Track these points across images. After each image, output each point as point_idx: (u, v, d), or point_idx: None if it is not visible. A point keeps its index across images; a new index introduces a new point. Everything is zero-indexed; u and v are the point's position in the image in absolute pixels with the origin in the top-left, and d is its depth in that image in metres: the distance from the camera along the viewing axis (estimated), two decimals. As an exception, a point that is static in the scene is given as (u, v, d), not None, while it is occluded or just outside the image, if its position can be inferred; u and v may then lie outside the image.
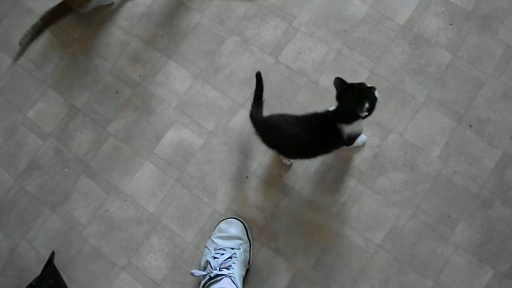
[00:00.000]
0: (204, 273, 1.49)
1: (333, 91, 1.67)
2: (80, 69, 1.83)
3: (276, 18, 1.78)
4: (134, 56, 1.82)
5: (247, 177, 1.66)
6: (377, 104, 1.38)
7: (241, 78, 1.74)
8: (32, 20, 1.88)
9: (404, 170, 1.61)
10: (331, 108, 1.43)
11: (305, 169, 1.64)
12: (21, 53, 1.88)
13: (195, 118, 1.73)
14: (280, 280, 1.57)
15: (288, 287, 1.56)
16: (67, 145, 1.77)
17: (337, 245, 1.58)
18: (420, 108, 1.65)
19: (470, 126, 1.62)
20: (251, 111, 1.48)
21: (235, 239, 1.55)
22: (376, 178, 1.61)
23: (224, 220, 1.59)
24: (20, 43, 1.86)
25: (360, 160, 1.63)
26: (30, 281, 1.59)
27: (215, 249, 1.53)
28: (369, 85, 1.39)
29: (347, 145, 1.53)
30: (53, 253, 1.65)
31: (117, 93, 1.79)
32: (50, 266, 1.61)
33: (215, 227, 1.60)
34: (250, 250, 1.57)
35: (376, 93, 1.37)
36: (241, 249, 1.53)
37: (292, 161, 1.64)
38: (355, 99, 1.35)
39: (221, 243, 1.55)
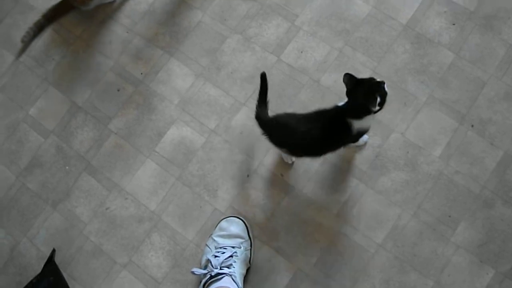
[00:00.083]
0: (205, 271, 1.49)
1: (334, 90, 1.67)
2: (82, 66, 1.83)
3: (278, 17, 1.78)
4: (136, 53, 1.82)
5: (248, 175, 1.66)
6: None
7: (243, 76, 1.74)
8: (34, 17, 1.88)
9: (405, 169, 1.61)
10: (340, 104, 1.43)
11: (306, 168, 1.64)
12: (23, 50, 1.88)
13: (196, 116, 1.73)
14: (280, 279, 1.57)
15: (288, 286, 1.56)
16: (68, 143, 1.77)
17: (338, 244, 1.58)
18: (422, 108, 1.65)
19: (472, 126, 1.62)
20: (256, 111, 1.47)
21: (236, 237, 1.55)
22: (378, 177, 1.61)
23: (225, 219, 1.59)
24: (22, 41, 1.86)
25: (361, 159, 1.63)
26: (31, 278, 1.59)
27: (216, 248, 1.53)
28: (378, 79, 1.39)
29: (353, 141, 1.53)
30: (54, 250, 1.65)
31: (118, 90, 1.79)
32: (51, 264, 1.61)
33: (216, 225, 1.60)
34: (251, 249, 1.57)
35: (386, 87, 1.38)
36: (242, 248, 1.53)
37: (293, 160, 1.64)
38: (366, 94, 1.35)
39: (222, 241, 1.55)
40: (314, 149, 1.47)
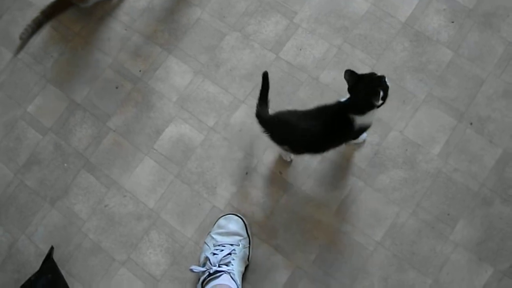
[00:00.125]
0: (203, 269, 1.49)
1: (333, 87, 1.67)
2: (80, 63, 1.83)
3: (277, 14, 1.78)
4: (134, 51, 1.82)
5: (247, 173, 1.66)
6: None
7: (242, 74, 1.74)
8: (32, 14, 1.87)
9: (404, 167, 1.61)
10: (342, 100, 1.43)
11: (305, 166, 1.64)
12: (21, 47, 1.88)
13: (195, 114, 1.73)
14: (279, 276, 1.57)
15: (287, 284, 1.56)
16: (67, 140, 1.77)
17: (337, 242, 1.58)
18: (421, 106, 1.65)
19: (471, 124, 1.62)
20: (257, 110, 1.47)
21: (235, 235, 1.55)
22: (376, 175, 1.61)
23: (224, 216, 1.59)
24: (21, 37, 1.86)
25: (360, 157, 1.63)
26: (29, 276, 1.59)
27: (214, 245, 1.53)
28: (379, 74, 1.39)
29: (354, 138, 1.54)
30: (52, 248, 1.65)
31: (117, 88, 1.79)
32: (49, 261, 1.61)
33: (215, 223, 1.60)
34: (249, 247, 1.57)
35: (387, 81, 1.38)
36: (240, 246, 1.53)
37: (292, 157, 1.64)
38: (369, 88, 1.35)
39: (220, 239, 1.55)
40: (316, 146, 1.47)
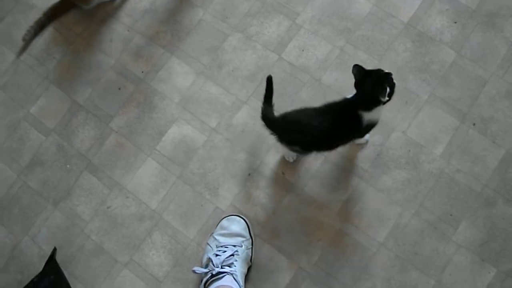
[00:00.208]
0: (206, 270, 1.49)
1: (335, 89, 1.67)
2: (82, 65, 1.83)
3: (280, 15, 1.78)
4: (136, 52, 1.82)
5: (249, 174, 1.66)
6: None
7: (244, 75, 1.74)
8: (35, 16, 1.87)
9: (406, 168, 1.61)
10: (349, 96, 1.43)
11: (308, 167, 1.64)
12: (24, 49, 1.88)
13: (197, 115, 1.73)
14: (282, 277, 1.57)
15: (290, 285, 1.56)
16: (69, 141, 1.77)
17: (339, 243, 1.58)
18: (423, 106, 1.64)
19: (474, 124, 1.61)
20: (262, 112, 1.47)
21: (237, 236, 1.55)
22: (379, 176, 1.61)
23: (226, 217, 1.59)
24: (23, 39, 1.86)
25: (362, 158, 1.63)
26: (32, 277, 1.59)
27: (217, 247, 1.53)
28: (386, 70, 1.39)
29: (361, 135, 1.54)
30: (55, 249, 1.65)
31: (119, 89, 1.79)
32: (52, 262, 1.61)
33: (217, 224, 1.60)
34: (252, 248, 1.57)
35: (394, 79, 1.38)
36: (243, 247, 1.53)
37: (295, 158, 1.63)
38: (376, 84, 1.35)
39: (223, 240, 1.54)
40: (325, 143, 1.47)
